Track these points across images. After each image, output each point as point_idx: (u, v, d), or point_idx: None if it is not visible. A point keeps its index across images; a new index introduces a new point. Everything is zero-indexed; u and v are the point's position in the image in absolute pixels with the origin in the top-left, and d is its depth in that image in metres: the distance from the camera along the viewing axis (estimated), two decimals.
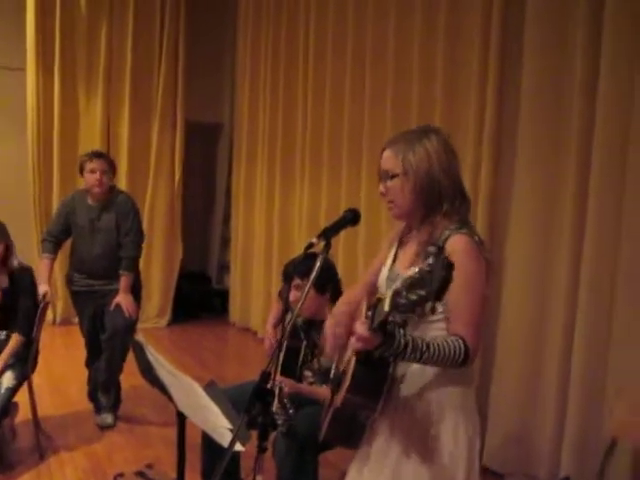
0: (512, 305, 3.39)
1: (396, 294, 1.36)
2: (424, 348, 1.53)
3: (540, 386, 3.26)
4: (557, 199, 3.20)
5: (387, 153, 1.77)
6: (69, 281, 4.01)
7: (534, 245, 3.29)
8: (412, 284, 1.33)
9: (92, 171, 3.78)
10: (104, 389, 3.95)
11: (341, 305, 1.97)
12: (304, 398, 2.60)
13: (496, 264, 3.30)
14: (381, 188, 1.79)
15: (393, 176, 1.74)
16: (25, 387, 3.36)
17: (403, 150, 1.72)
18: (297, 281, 2.69)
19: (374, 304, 1.50)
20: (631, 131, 2.86)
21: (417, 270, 1.33)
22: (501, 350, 3.44)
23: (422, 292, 1.30)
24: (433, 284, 1.27)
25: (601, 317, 2.97)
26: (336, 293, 2.73)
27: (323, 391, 2.61)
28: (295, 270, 2.70)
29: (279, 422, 2.48)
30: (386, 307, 1.39)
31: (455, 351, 1.57)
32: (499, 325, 3.46)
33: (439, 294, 1.28)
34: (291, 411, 2.46)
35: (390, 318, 1.44)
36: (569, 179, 3.11)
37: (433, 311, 1.31)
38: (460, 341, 1.59)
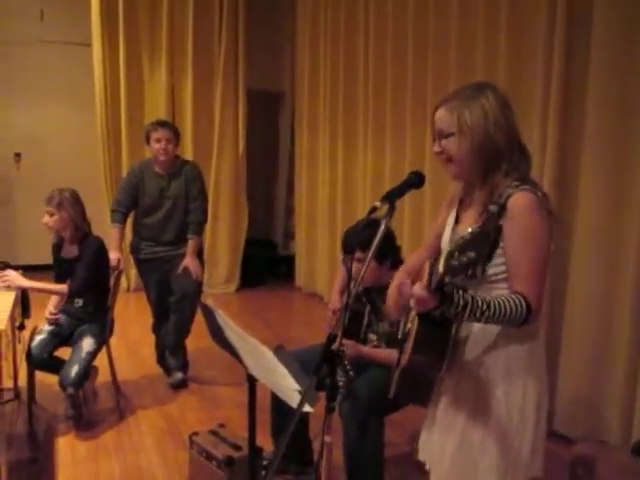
0: (581, 269, 3.29)
1: (449, 256, 1.36)
2: (484, 307, 1.49)
3: (610, 350, 3.17)
4: (628, 163, 3.05)
5: (441, 112, 1.71)
6: (135, 250, 4.10)
7: (604, 204, 3.17)
8: (463, 246, 1.33)
9: (157, 140, 3.87)
10: (172, 351, 4.09)
11: (401, 273, 1.98)
12: (365, 362, 2.61)
13: (565, 222, 3.22)
14: (436, 147, 1.74)
15: (448, 135, 1.69)
16: (104, 351, 3.53)
17: (458, 108, 1.66)
18: (359, 254, 2.57)
19: (433, 265, 1.50)
20: None
21: (470, 231, 1.33)
22: (570, 314, 3.36)
23: (472, 254, 1.29)
24: (484, 246, 1.26)
25: None
26: (395, 261, 2.67)
27: (383, 353, 2.62)
28: (355, 242, 2.61)
29: (340, 384, 2.51)
30: (440, 269, 1.39)
31: (517, 308, 1.52)
32: (568, 289, 3.37)
33: (489, 256, 1.28)
34: (352, 373, 2.48)
35: (447, 279, 1.42)
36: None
37: (483, 272, 1.30)
38: (521, 298, 1.54)
